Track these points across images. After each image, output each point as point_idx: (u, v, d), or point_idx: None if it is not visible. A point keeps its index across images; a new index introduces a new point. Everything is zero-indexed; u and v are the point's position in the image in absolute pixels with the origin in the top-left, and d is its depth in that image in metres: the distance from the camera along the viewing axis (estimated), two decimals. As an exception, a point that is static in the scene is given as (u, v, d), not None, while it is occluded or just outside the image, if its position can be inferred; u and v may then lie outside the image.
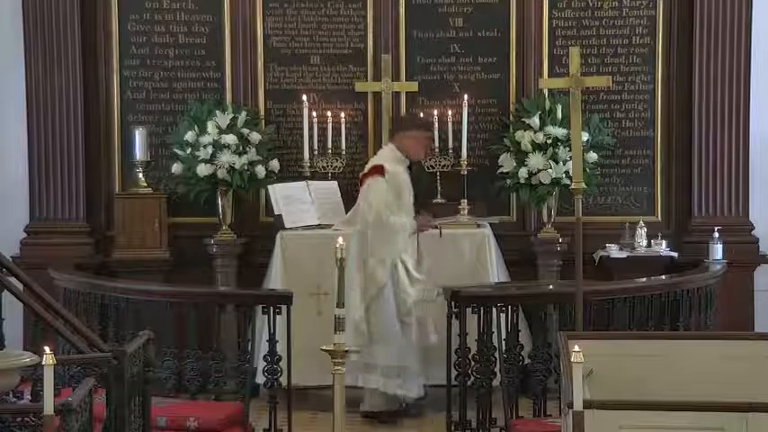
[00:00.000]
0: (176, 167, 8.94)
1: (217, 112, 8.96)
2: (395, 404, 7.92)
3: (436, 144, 8.94)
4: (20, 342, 7.87)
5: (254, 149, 8.90)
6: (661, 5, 9.18)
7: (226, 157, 8.77)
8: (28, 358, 5.17)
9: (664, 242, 8.92)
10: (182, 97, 9.27)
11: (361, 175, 8.10)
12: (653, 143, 9.28)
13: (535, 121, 8.88)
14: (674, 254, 8.93)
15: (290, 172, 9.10)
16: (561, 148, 8.77)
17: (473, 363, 7.31)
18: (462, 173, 8.84)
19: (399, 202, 7.85)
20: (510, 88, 9.25)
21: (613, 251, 8.84)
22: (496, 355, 7.30)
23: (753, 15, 9.03)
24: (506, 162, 8.95)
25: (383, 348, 7.74)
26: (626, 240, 8.91)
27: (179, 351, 7.53)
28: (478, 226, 8.61)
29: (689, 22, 9.11)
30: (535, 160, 8.80)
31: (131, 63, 9.28)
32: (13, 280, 6.76)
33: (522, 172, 8.80)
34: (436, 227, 8.15)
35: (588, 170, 8.66)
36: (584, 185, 6.92)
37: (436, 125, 8.94)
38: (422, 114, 9.01)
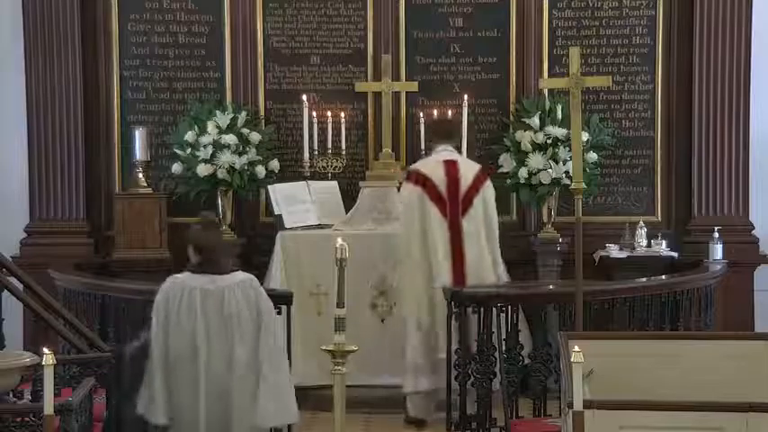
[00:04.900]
0: (176, 167, 8.94)
1: (217, 112, 8.96)
2: None
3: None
4: (20, 342, 7.89)
5: (254, 149, 8.90)
6: (661, 5, 9.18)
7: (226, 157, 8.77)
8: (28, 358, 5.18)
9: (664, 242, 8.91)
10: (182, 97, 9.28)
11: (474, 175, 7.68)
12: (653, 143, 9.28)
13: (535, 121, 8.88)
14: (674, 254, 8.92)
15: (290, 172, 9.11)
16: (561, 148, 8.77)
17: (473, 363, 7.31)
18: (462, 173, 8.83)
19: None
20: (510, 88, 9.25)
21: (613, 251, 8.84)
22: (496, 355, 7.30)
23: (753, 15, 9.03)
24: (506, 162, 8.95)
25: None
26: (626, 240, 8.91)
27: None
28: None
29: (689, 22, 9.11)
30: (535, 160, 8.79)
31: (131, 63, 9.28)
32: (13, 280, 6.78)
33: (522, 172, 8.80)
34: None
35: (588, 170, 8.66)
36: (584, 185, 6.92)
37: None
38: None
